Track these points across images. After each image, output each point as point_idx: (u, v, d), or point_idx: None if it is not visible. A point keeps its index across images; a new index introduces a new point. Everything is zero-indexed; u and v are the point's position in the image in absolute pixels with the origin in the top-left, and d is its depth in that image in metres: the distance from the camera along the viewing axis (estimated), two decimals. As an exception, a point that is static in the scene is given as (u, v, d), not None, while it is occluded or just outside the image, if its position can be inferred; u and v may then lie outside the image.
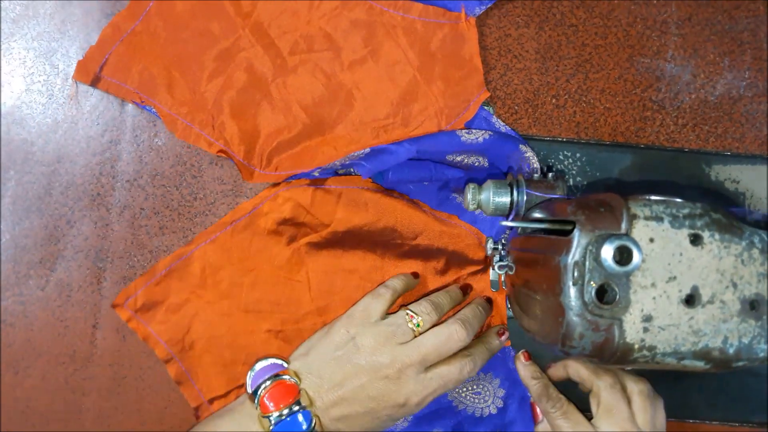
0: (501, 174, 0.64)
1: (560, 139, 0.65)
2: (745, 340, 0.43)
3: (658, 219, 0.43)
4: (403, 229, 0.63)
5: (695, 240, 0.43)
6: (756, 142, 0.67)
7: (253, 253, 0.63)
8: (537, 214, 0.52)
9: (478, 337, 0.61)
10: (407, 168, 0.62)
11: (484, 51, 0.66)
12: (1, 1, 0.64)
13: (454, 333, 0.56)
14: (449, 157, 0.62)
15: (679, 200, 0.45)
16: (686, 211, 0.44)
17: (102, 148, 0.64)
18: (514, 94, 0.66)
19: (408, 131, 0.64)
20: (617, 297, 0.42)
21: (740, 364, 0.43)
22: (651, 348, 0.43)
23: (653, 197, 0.45)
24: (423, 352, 0.55)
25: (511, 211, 0.56)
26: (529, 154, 0.61)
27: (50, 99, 0.64)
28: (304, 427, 0.53)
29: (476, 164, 0.63)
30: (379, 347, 0.55)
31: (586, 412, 0.56)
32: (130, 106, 0.64)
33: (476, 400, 0.64)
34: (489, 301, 0.63)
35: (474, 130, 0.62)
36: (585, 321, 0.43)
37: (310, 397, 0.55)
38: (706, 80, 0.67)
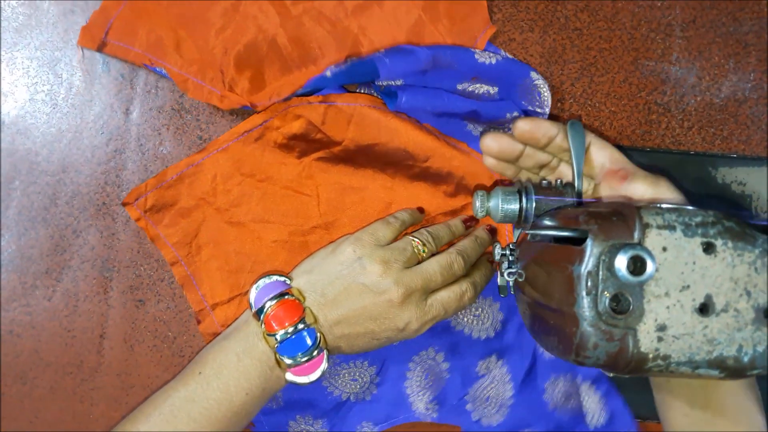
0: (513, 106, 0.63)
1: (566, 144, 0.65)
2: (760, 348, 0.43)
3: (671, 228, 0.43)
4: (415, 150, 0.63)
5: (708, 248, 0.43)
6: (762, 143, 0.66)
7: (264, 165, 0.63)
8: (548, 222, 0.52)
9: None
10: (421, 95, 0.61)
11: (489, 56, 0.66)
12: (4, 11, 0.63)
13: (453, 262, 0.58)
14: (460, 86, 0.62)
15: (691, 208, 0.44)
16: (699, 219, 0.44)
17: (107, 158, 0.64)
18: (520, 98, 0.66)
19: None
20: (631, 307, 0.42)
21: (755, 372, 0.43)
22: (665, 357, 0.42)
23: (665, 205, 0.45)
24: (426, 278, 0.56)
25: (520, 217, 0.56)
26: (540, 81, 0.61)
27: (54, 108, 0.63)
28: (309, 343, 0.54)
29: (486, 95, 0.63)
30: (384, 270, 0.55)
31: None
32: (134, 115, 0.64)
33: (474, 323, 0.64)
34: (492, 230, 0.64)
35: (487, 53, 0.62)
36: (599, 331, 0.42)
37: (314, 314, 0.55)
38: (711, 82, 0.66)
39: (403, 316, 0.55)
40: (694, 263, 0.43)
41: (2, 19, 0.63)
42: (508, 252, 0.60)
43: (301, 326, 0.54)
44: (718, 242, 0.43)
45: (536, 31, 0.66)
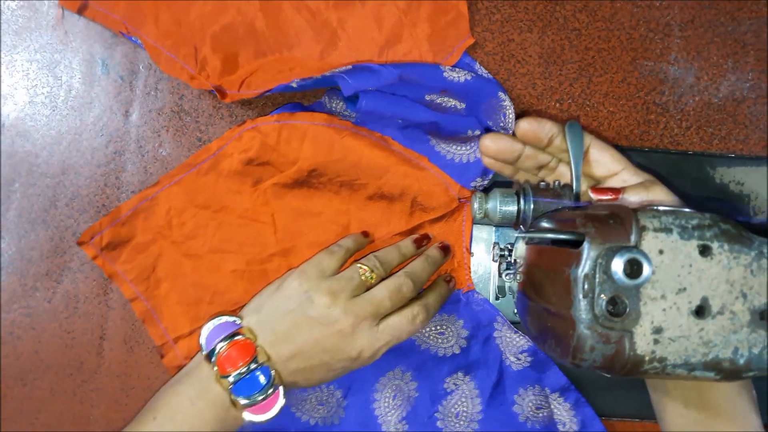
0: (476, 123, 0.64)
1: (565, 144, 0.65)
2: (755, 351, 0.43)
3: (667, 231, 0.43)
4: (368, 167, 0.62)
5: (704, 251, 0.43)
6: (760, 143, 0.67)
7: (219, 195, 0.63)
8: (545, 224, 0.52)
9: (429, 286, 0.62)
10: (382, 100, 0.61)
11: (487, 56, 0.66)
12: (4, 13, 0.63)
13: (402, 286, 0.57)
14: (428, 97, 0.62)
15: (687, 210, 0.45)
16: (695, 222, 0.44)
17: (106, 159, 0.64)
18: (518, 99, 0.66)
19: None
20: (627, 309, 0.42)
21: (750, 374, 0.44)
22: (662, 359, 0.43)
23: (662, 208, 0.45)
24: (375, 304, 0.56)
25: (518, 219, 0.56)
26: (506, 102, 0.61)
27: (54, 111, 0.63)
28: (263, 381, 0.53)
29: (453, 109, 0.63)
30: (332, 301, 0.55)
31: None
32: (133, 117, 0.64)
33: (440, 341, 0.64)
34: (445, 248, 0.63)
35: (457, 69, 0.62)
36: (596, 334, 0.43)
37: (267, 352, 0.55)
38: (710, 82, 0.67)
39: (354, 345, 0.55)
40: (690, 266, 0.43)
41: (2, 21, 0.63)
42: (506, 253, 0.60)
43: (254, 366, 0.53)
44: (714, 245, 0.43)
45: (535, 32, 0.66)
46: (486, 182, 0.63)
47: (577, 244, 0.44)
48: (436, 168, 0.63)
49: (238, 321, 0.57)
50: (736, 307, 0.43)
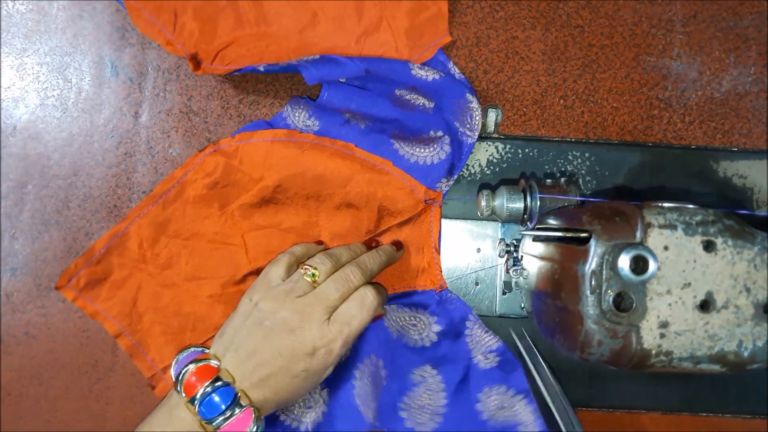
0: (441, 123, 0.64)
1: (569, 140, 0.66)
2: (759, 343, 0.44)
3: (672, 227, 0.44)
4: (333, 178, 0.62)
5: (708, 246, 0.44)
6: (763, 137, 0.67)
7: (188, 223, 0.63)
8: (552, 221, 0.53)
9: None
10: (346, 92, 0.62)
11: (491, 54, 0.66)
12: (13, 17, 0.64)
13: (349, 274, 0.57)
14: (398, 92, 0.63)
15: (692, 207, 0.45)
16: (699, 218, 0.45)
17: (117, 161, 0.65)
18: (522, 96, 0.66)
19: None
20: (634, 305, 0.43)
21: (755, 366, 0.45)
22: (668, 353, 0.44)
23: (666, 204, 0.46)
24: (321, 297, 0.55)
25: (525, 216, 0.57)
26: (474, 105, 0.62)
27: (65, 113, 0.64)
28: (227, 400, 0.53)
29: (421, 108, 0.64)
30: (280, 305, 0.55)
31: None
32: (143, 118, 0.65)
33: (412, 332, 0.65)
34: (397, 243, 0.64)
35: (427, 68, 0.63)
36: (603, 328, 0.44)
37: (231, 373, 0.54)
38: (712, 77, 0.67)
39: (305, 340, 0.54)
40: (695, 261, 0.44)
41: (11, 25, 0.64)
42: (512, 249, 0.61)
43: (218, 383, 0.53)
44: (719, 240, 0.44)
45: (538, 29, 0.67)
46: (452, 182, 0.64)
47: (584, 241, 0.45)
48: (400, 171, 0.63)
49: (207, 350, 0.57)
50: (740, 302, 0.44)
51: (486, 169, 0.66)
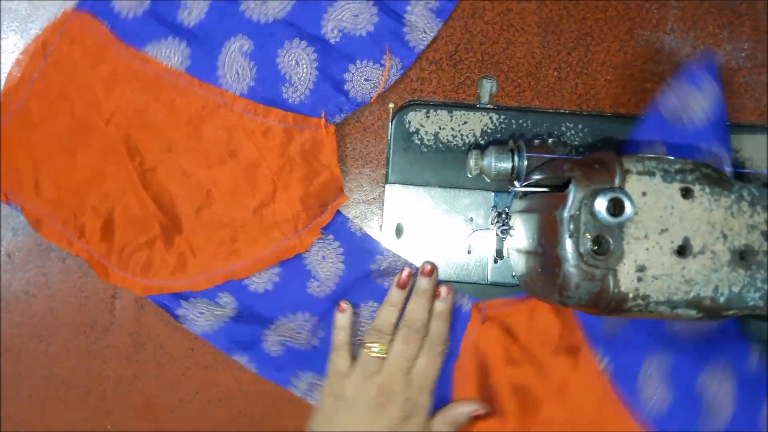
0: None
1: (563, 111, 0.67)
2: (735, 289, 0.45)
3: (650, 174, 0.45)
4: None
5: (686, 193, 0.45)
6: (756, 112, 0.68)
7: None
8: (536, 176, 0.54)
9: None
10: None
11: (486, 25, 0.67)
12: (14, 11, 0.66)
13: (409, 338, 0.61)
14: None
15: (671, 158, 0.46)
16: (677, 166, 0.45)
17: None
18: (517, 67, 0.67)
19: (264, 232, 0.64)
20: (611, 248, 0.44)
21: (731, 312, 0.45)
22: (645, 297, 0.44)
23: (646, 155, 0.47)
24: (396, 367, 0.60)
25: (512, 175, 0.58)
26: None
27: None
28: None
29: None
30: (360, 390, 0.59)
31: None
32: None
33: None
34: (429, 271, 0.64)
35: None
36: (581, 272, 0.44)
37: None
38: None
39: (398, 410, 0.59)
40: (672, 207, 0.45)
41: (11, 19, 0.66)
42: (504, 216, 0.62)
43: None
44: (696, 188, 0.45)
45: (533, 1, 0.68)
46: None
47: (564, 187, 0.46)
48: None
49: None
50: (717, 248, 0.45)
51: (480, 139, 0.67)
